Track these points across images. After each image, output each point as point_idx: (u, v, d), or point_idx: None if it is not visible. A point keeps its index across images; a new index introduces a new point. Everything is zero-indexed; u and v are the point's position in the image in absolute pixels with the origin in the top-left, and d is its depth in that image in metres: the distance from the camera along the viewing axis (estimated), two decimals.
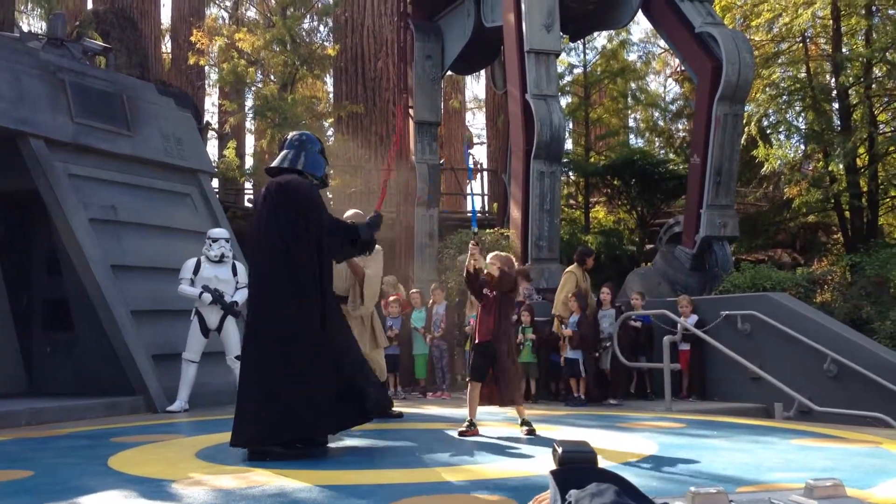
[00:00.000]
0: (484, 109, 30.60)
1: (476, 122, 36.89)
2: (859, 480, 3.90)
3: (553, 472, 1.69)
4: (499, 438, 5.87)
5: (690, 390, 10.01)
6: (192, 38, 19.04)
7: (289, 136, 5.66)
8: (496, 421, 6.89)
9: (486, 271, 6.13)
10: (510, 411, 6.43)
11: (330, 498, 3.68)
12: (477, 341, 6.30)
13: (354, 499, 3.67)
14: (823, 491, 1.77)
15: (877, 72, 15.62)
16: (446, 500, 3.69)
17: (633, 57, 22.89)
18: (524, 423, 6.11)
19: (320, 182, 5.53)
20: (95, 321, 8.97)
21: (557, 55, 13.44)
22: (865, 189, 15.68)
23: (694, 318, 10.01)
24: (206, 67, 22.78)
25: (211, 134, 22.80)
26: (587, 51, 20.66)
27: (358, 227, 5.47)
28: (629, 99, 22.25)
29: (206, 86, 25.73)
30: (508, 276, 6.15)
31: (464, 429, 6.05)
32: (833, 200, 15.90)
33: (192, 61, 19.59)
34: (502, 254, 6.46)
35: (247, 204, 21.15)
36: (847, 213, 16.04)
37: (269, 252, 5.12)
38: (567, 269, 10.44)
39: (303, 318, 4.99)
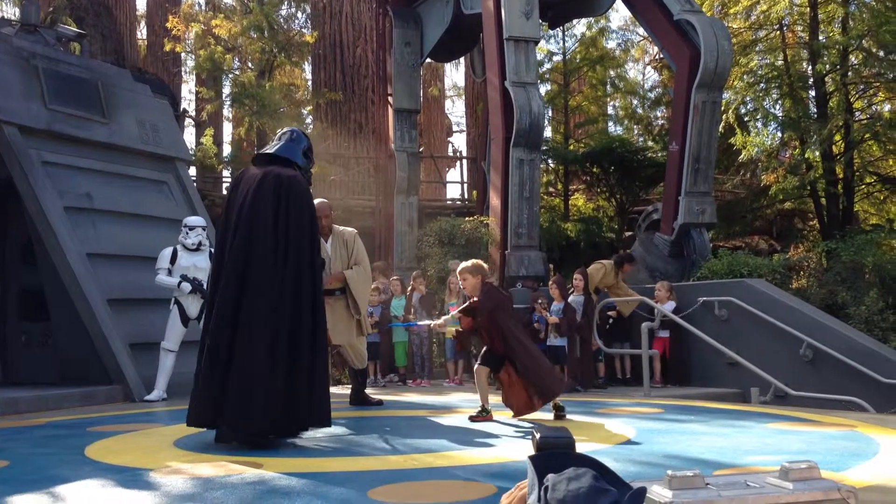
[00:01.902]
0: (463, 97, 30.54)
1: (455, 109, 36.81)
2: (834, 463, 3.94)
3: (531, 458, 1.69)
4: (479, 425, 5.88)
5: (668, 377, 10.01)
6: (168, 25, 18.84)
7: (280, 130, 5.72)
8: (477, 408, 6.90)
9: (455, 329, 6.12)
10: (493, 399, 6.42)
11: (309, 485, 3.68)
12: (488, 353, 6.23)
13: (333, 486, 3.66)
14: (798, 473, 1.79)
15: (853, 59, 15.73)
16: (425, 486, 3.70)
17: (612, 45, 22.91)
18: (556, 407, 6.12)
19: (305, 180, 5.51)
20: (71, 310, 8.89)
21: (537, 42, 13.43)
22: (841, 176, 15.81)
23: (671, 304, 10.04)
24: (183, 54, 22.55)
25: (188, 121, 22.60)
26: (566, 38, 20.67)
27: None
28: (608, 87, 22.28)
29: (183, 73, 25.46)
30: (482, 303, 6.07)
31: (475, 415, 6.05)
32: (809, 187, 16.02)
33: (168, 48, 19.38)
34: (467, 264, 6.33)
35: (225, 192, 21.01)
36: (823, 200, 16.17)
37: (271, 243, 4.99)
38: (602, 261, 10.68)
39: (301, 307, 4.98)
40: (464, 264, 6.35)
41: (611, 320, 10.35)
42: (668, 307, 9.93)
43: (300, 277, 5.00)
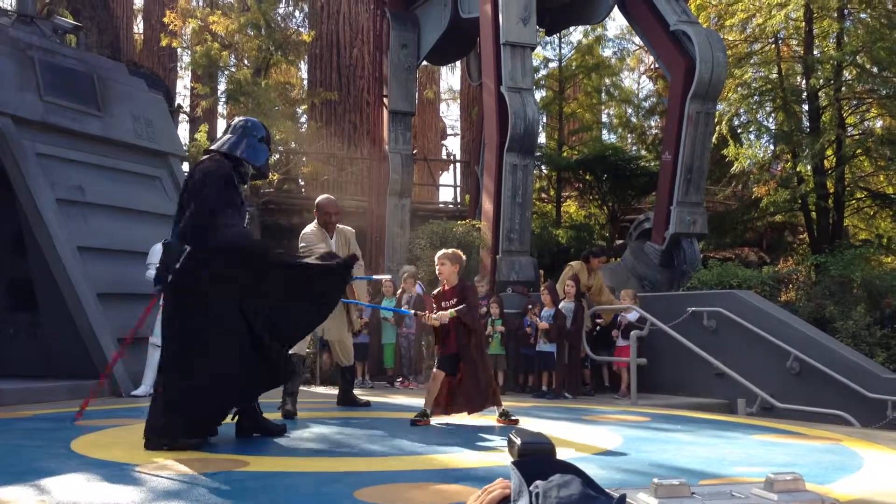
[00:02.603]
0: (458, 101, 30.60)
1: (450, 113, 36.93)
2: (819, 476, 3.97)
3: (516, 464, 1.70)
4: (466, 428, 5.89)
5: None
6: (165, 20, 18.81)
7: (234, 121, 5.56)
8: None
9: (444, 320, 6.11)
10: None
11: (296, 484, 3.68)
12: (442, 354, 6.24)
13: (319, 485, 3.67)
14: (783, 485, 1.80)
15: (847, 75, 15.83)
16: (411, 488, 3.70)
17: (608, 53, 23.03)
18: (503, 413, 6.14)
19: (258, 172, 5.37)
20: (60, 303, 8.86)
21: (533, 48, 13.46)
22: (832, 190, 15.91)
23: (635, 314, 10.03)
24: (179, 50, 22.54)
25: (182, 117, 22.58)
26: (563, 45, 20.76)
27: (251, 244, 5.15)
28: (603, 95, 22.37)
29: (179, 68, 25.45)
30: (474, 299, 6.17)
31: (417, 417, 6.06)
32: (800, 201, 16.11)
33: (164, 43, 19.36)
34: (448, 251, 6.43)
35: None
36: (813, 214, 16.27)
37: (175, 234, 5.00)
38: (570, 263, 10.83)
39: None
40: (444, 251, 6.42)
41: (598, 328, 10.38)
42: (631, 316, 9.94)
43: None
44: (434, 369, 6.28)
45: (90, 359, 8.68)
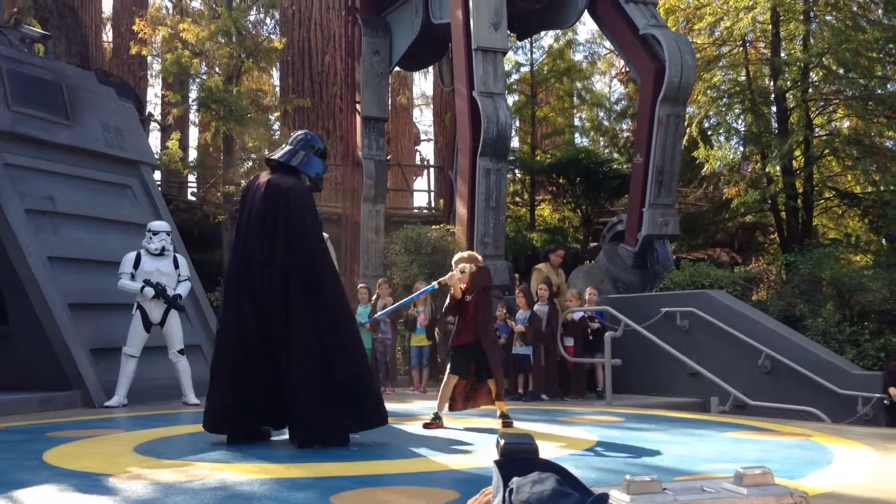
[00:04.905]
0: (431, 106, 30.59)
1: (423, 118, 36.85)
2: (789, 471, 4.03)
3: (497, 462, 1.73)
4: (444, 432, 5.91)
5: (576, 389, 9.92)
6: (135, 28, 18.66)
7: (294, 134, 5.88)
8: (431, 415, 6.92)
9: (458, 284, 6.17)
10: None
11: (270, 490, 3.68)
12: (457, 344, 6.27)
13: (295, 491, 3.66)
14: (752, 479, 1.84)
15: (813, 76, 16.04)
16: (387, 492, 3.71)
17: (579, 57, 23.11)
18: (503, 415, 6.19)
19: (312, 183, 5.67)
20: (31, 314, 8.76)
21: (504, 53, 13.51)
22: (801, 190, 16.10)
23: (580, 314, 10.09)
24: (149, 58, 22.35)
25: (153, 126, 22.40)
26: (534, 50, 20.84)
27: None
28: (575, 98, 22.46)
29: (149, 76, 25.25)
30: (482, 273, 6.24)
31: (429, 422, 6.11)
32: (770, 201, 16.29)
33: (134, 51, 19.17)
34: (464, 253, 6.58)
35: (190, 197, 20.82)
36: (783, 214, 16.45)
37: (279, 251, 5.18)
38: (536, 267, 10.97)
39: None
40: (460, 254, 6.54)
41: (589, 331, 10.23)
42: (575, 315, 10.00)
43: (288, 285, 5.12)
44: (447, 373, 6.31)
45: (62, 370, 8.59)
